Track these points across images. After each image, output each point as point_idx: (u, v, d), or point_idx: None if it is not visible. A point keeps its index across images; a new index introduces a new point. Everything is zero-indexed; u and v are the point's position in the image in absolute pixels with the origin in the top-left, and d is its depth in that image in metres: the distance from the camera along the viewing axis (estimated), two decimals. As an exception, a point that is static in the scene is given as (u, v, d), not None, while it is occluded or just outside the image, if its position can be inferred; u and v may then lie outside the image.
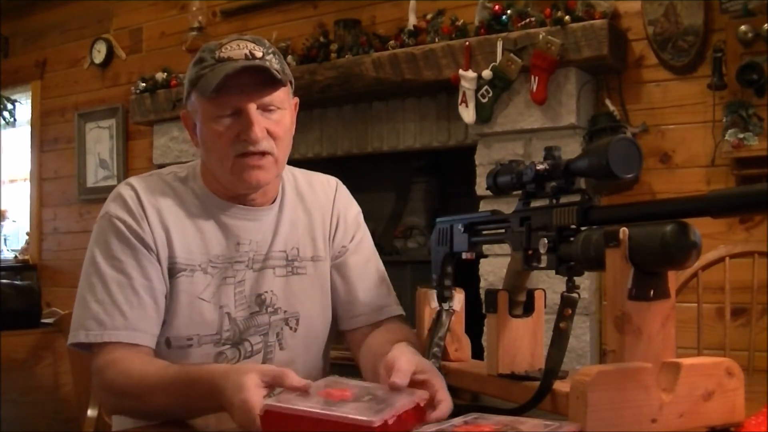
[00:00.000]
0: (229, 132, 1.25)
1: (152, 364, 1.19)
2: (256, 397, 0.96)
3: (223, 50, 1.26)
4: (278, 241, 1.37)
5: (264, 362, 1.34)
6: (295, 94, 1.38)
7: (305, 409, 0.90)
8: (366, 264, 1.44)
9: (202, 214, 1.33)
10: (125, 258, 1.26)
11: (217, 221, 1.33)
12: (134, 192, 1.30)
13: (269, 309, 1.35)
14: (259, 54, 1.26)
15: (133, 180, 1.34)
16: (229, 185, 1.31)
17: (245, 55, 1.25)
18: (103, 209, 1.32)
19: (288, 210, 1.40)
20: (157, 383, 1.13)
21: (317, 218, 1.42)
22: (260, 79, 1.25)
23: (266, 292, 1.34)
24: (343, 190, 1.50)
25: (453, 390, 1.08)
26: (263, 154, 1.26)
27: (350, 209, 1.48)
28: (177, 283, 1.28)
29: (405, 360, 1.03)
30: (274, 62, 1.27)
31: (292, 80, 1.33)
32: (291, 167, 1.44)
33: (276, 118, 1.28)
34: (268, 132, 1.27)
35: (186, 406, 1.11)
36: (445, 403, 1.00)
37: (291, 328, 1.37)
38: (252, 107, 1.25)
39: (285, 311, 1.36)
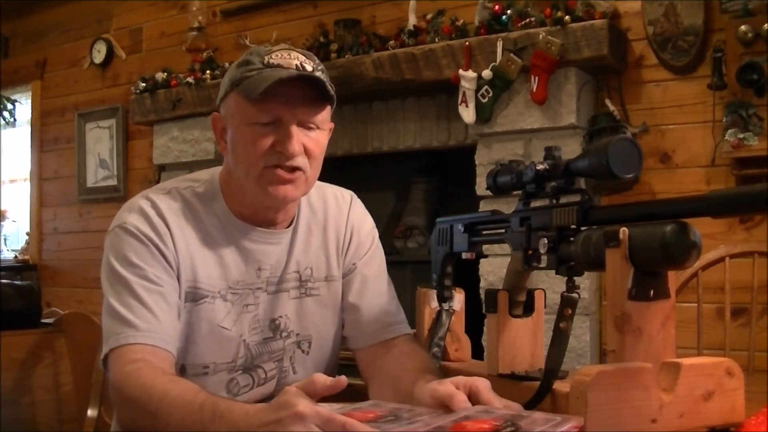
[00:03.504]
0: (264, 141, 1.18)
1: (178, 383, 1.07)
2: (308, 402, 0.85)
3: (273, 56, 1.19)
4: (292, 262, 1.31)
5: (277, 387, 1.29)
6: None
7: None
8: (376, 281, 1.37)
9: (223, 239, 1.26)
10: (149, 269, 1.18)
11: (238, 246, 1.26)
12: (156, 208, 1.22)
13: (283, 334, 1.30)
14: (309, 68, 1.20)
15: (152, 194, 1.25)
16: (254, 197, 1.24)
17: (296, 65, 1.19)
18: (118, 219, 1.23)
19: (302, 228, 1.33)
20: (179, 405, 1.00)
21: (331, 234, 1.36)
22: (308, 93, 1.19)
23: (281, 316, 1.29)
24: (358, 203, 1.42)
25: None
26: (294, 169, 1.20)
27: (364, 224, 1.41)
28: (199, 309, 1.22)
29: (447, 385, 0.97)
30: (324, 78, 1.21)
31: (334, 102, 1.24)
32: None
33: (314, 136, 1.22)
34: (305, 148, 1.20)
35: None
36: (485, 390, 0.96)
37: (303, 351, 1.33)
38: (293, 120, 1.19)
39: (297, 334, 1.32)
